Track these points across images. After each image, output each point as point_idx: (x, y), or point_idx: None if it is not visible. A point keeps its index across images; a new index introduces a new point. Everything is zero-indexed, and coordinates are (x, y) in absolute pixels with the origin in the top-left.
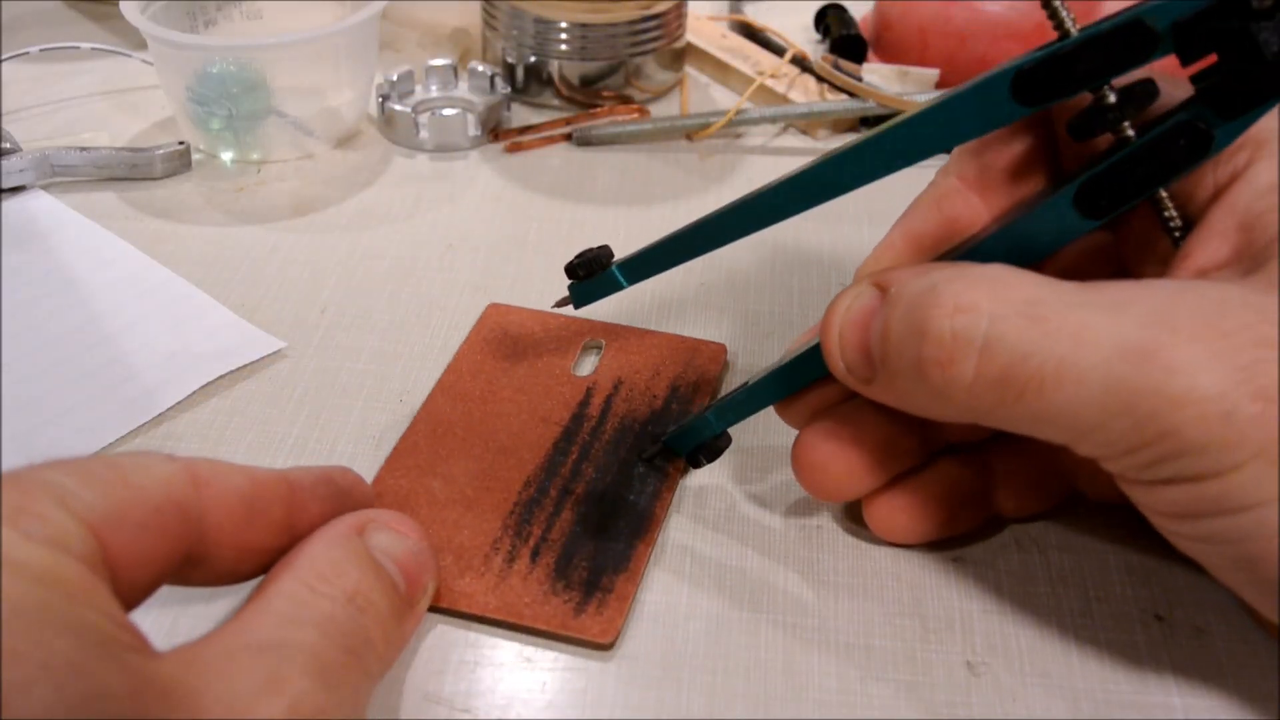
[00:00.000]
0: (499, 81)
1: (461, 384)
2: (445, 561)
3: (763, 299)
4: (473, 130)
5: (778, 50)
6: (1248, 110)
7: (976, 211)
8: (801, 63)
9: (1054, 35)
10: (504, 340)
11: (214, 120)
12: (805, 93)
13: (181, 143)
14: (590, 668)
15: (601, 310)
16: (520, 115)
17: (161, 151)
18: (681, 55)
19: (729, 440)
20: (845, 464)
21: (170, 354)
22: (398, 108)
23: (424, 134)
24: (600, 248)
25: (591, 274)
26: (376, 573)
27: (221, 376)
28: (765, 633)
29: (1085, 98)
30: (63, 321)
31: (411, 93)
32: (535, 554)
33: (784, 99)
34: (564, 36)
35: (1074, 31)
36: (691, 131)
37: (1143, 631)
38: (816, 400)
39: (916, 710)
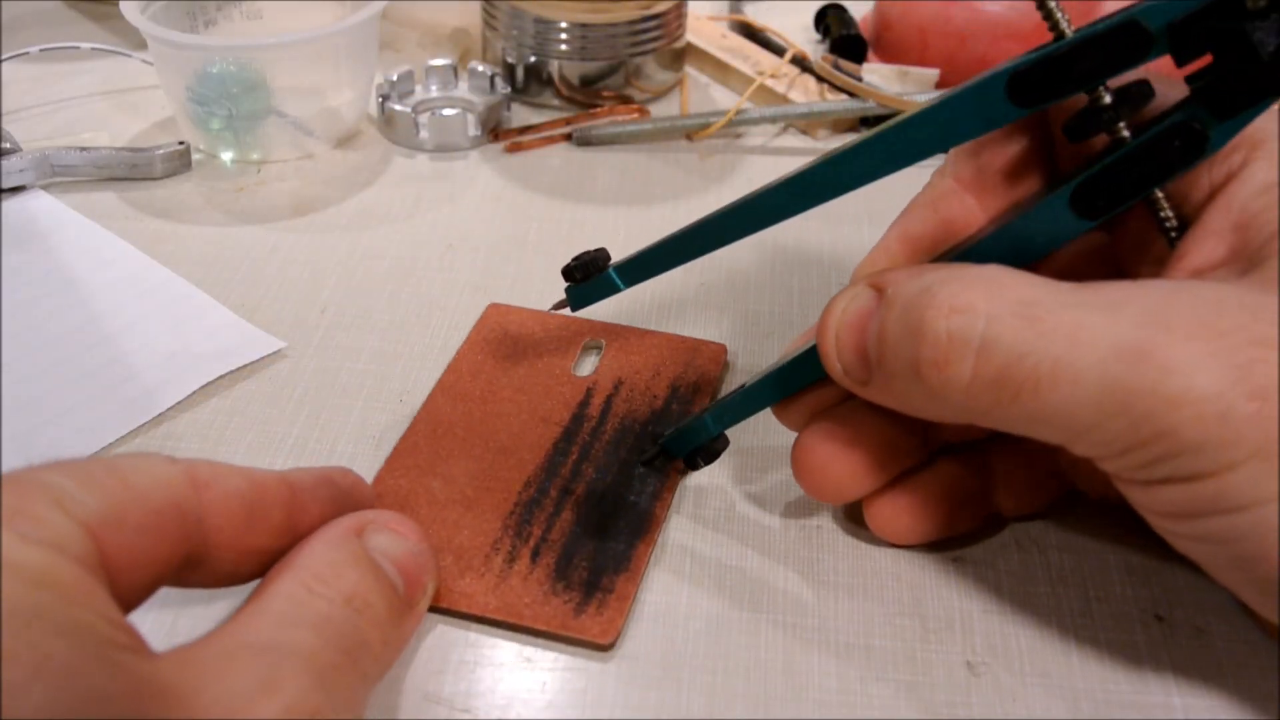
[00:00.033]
0: (499, 81)
1: (462, 384)
2: (445, 562)
3: (763, 299)
4: (473, 130)
5: (778, 50)
6: (1243, 110)
7: (972, 213)
8: (801, 63)
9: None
10: (504, 340)
11: (214, 120)
12: (805, 93)
13: (181, 143)
14: (590, 668)
15: (602, 310)
16: (520, 115)
17: (161, 151)
18: (681, 55)
19: (726, 442)
20: (845, 465)
21: (170, 354)
22: (398, 108)
23: (424, 134)
24: (597, 250)
25: (588, 277)
26: (375, 574)
27: (221, 376)
28: (765, 633)
29: (1081, 99)
30: (63, 321)
31: (411, 93)
32: (535, 554)
33: (784, 99)
34: (564, 36)
35: (1069, 32)
36: (691, 131)
37: (1143, 631)
38: (814, 402)
39: (916, 710)
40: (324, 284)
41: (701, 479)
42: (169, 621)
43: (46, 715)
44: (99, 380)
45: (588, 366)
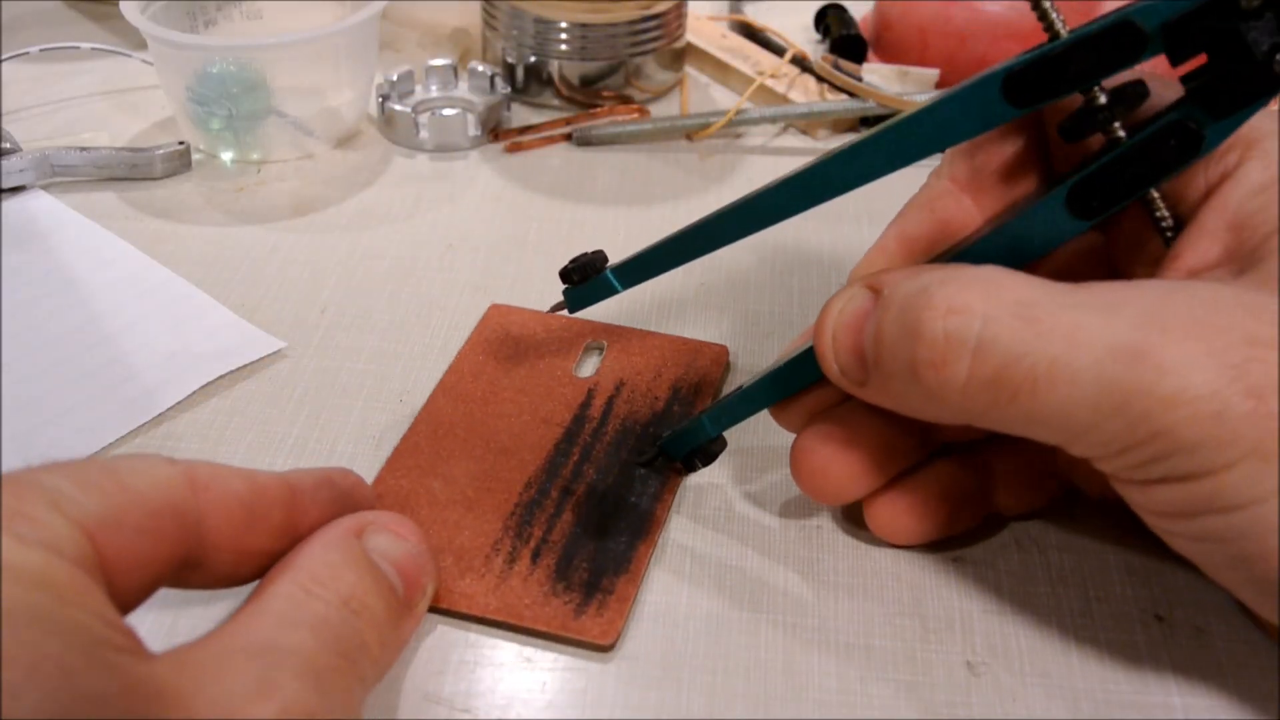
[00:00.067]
0: (499, 81)
1: (463, 385)
2: (446, 562)
3: (763, 299)
4: (473, 130)
5: (778, 50)
6: (1237, 110)
7: (969, 213)
8: (801, 63)
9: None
10: (505, 341)
11: (214, 120)
12: (805, 93)
13: (181, 143)
14: (590, 668)
15: (603, 311)
16: (520, 115)
17: (161, 151)
18: (681, 55)
19: (724, 444)
20: (844, 467)
21: (170, 354)
22: (398, 108)
23: (424, 134)
24: (595, 252)
25: (585, 279)
26: (373, 576)
27: (221, 376)
28: (765, 633)
29: (1076, 99)
30: (63, 321)
31: (411, 93)
32: (536, 555)
33: (784, 99)
34: (564, 36)
35: (1064, 33)
36: (691, 131)
37: (1143, 631)
38: (812, 403)
39: (916, 710)
40: (324, 284)
41: (702, 479)
42: (169, 622)
43: (43, 716)
44: (99, 380)
45: (589, 368)
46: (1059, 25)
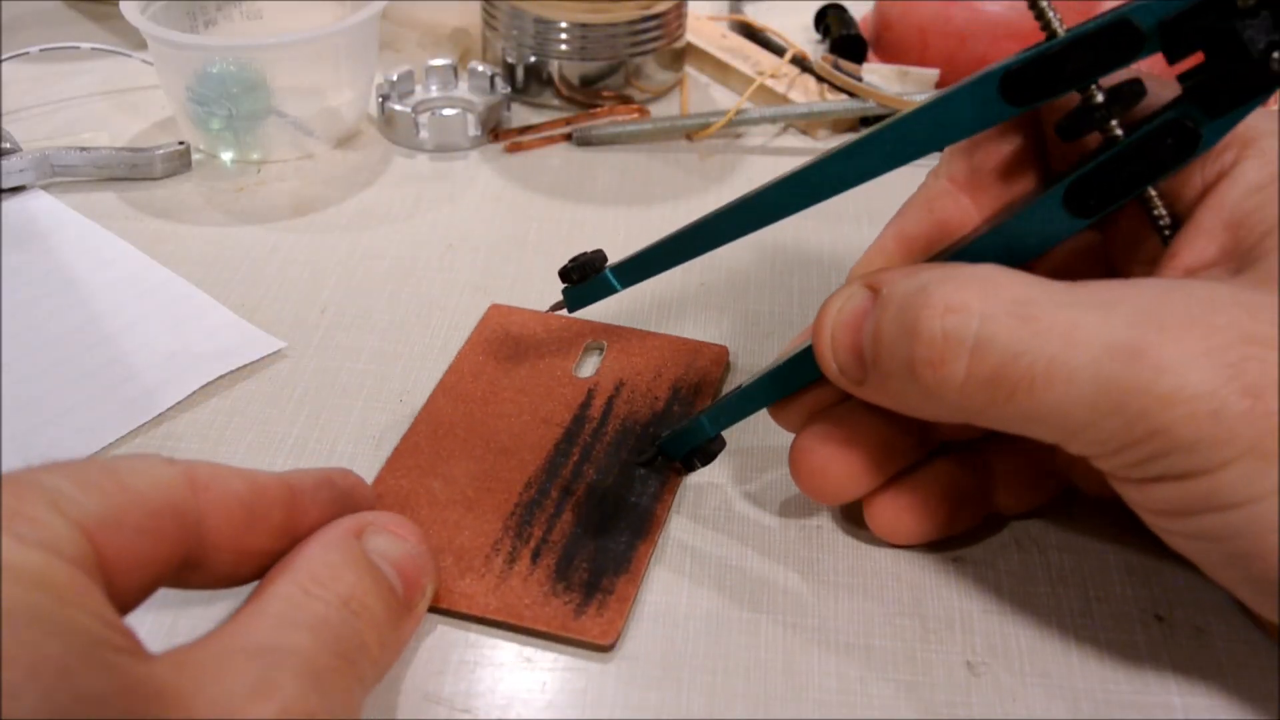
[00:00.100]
0: (499, 81)
1: (463, 385)
2: (446, 562)
3: (763, 299)
4: (473, 130)
5: (778, 50)
6: (1234, 108)
7: (967, 212)
8: (801, 63)
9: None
10: (506, 341)
11: (214, 120)
12: (805, 93)
13: (181, 143)
14: (590, 668)
15: (603, 311)
16: (520, 115)
17: (161, 151)
18: (681, 55)
19: (723, 444)
20: (843, 466)
21: (170, 354)
22: (398, 108)
23: (424, 134)
24: (594, 252)
25: (585, 278)
26: (373, 576)
27: (221, 376)
28: (765, 633)
29: (1073, 97)
30: (63, 321)
31: (411, 93)
32: (536, 555)
33: (784, 99)
34: (564, 36)
35: (1061, 31)
36: (691, 131)
37: (1143, 631)
38: (811, 402)
39: (916, 710)
40: (324, 284)
41: (701, 479)
42: (169, 622)
43: (42, 716)
44: (99, 380)
45: (589, 368)
46: (1056, 24)
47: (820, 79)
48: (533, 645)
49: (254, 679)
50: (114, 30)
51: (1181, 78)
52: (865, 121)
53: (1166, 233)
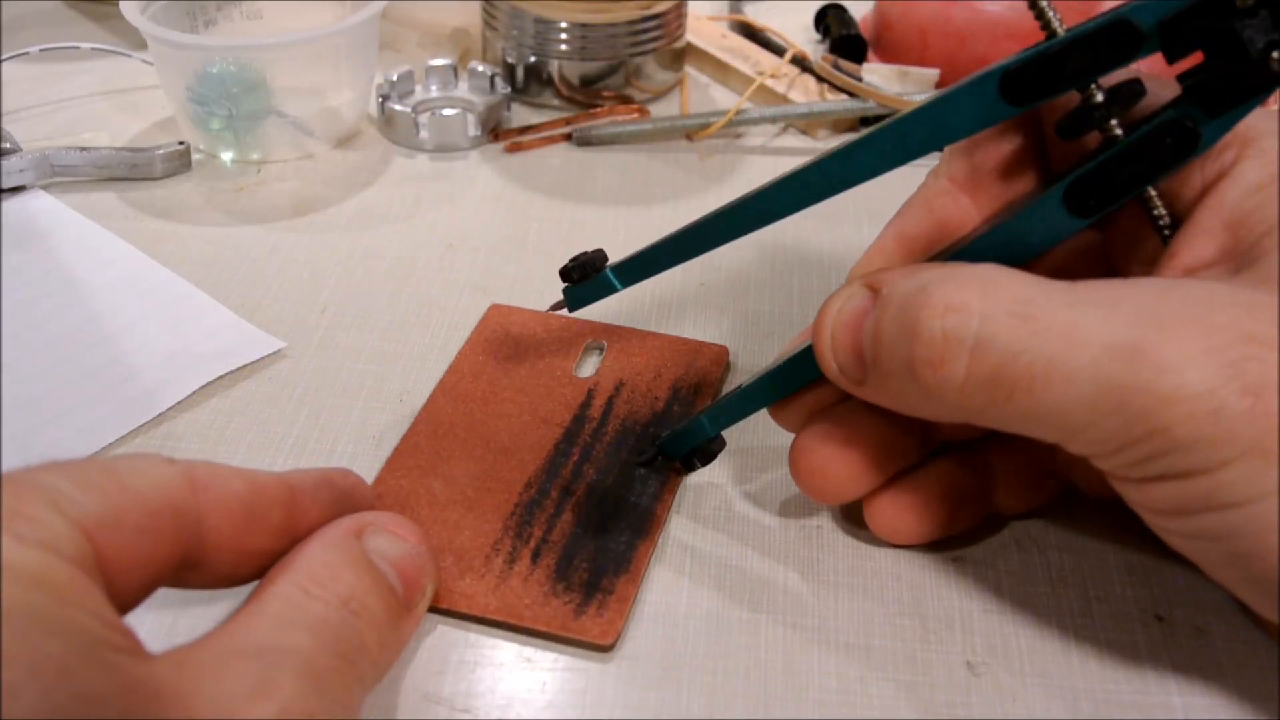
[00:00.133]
0: (499, 81)
1: (463, 385)
2: (446, 562)
3: (763, 299)
4: (473, 130)
5: (778, 50)
6: (1234, 107)
7: (967, 212)
8: (801, 63)
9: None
10: (506, 341)
11: (214, 120)
12: (805, 93)
13: (181, 143)
14: (590, 668)
15: (603, 311)
16: (520, 115)
17: (161, 151)
18: (681, 55)
19: (723, 444)
20: (843, 466)
21: (170, 354)
22: (398, 108)
23: (424, 134)
24: (594, 251)
25: (585, 277)
26: (373, 576)
27: (221, 376)
28: (765, 633)
29: (1073, 97)
30: (63, 321)
31: (411, 93)
32: (536, 555)
33: (784, 99)
34: (564, 36)
35: (1060, 31)
36: (691, 131)
37: (1143, 631)
38: (811, 402)
39: (916, 710)
40: (324, 284)
41: (701, 479)
42: (169, 622)
43: (42, 716)
44: (99, 380)
45: (589, 368)
46: (1056, 24)
47: (820, 79)
48: (533, 645)
49: (254, 679)
50: (114, 30)
51: (1181, 77)
52: (865, 121)
53: (1166, 232)
